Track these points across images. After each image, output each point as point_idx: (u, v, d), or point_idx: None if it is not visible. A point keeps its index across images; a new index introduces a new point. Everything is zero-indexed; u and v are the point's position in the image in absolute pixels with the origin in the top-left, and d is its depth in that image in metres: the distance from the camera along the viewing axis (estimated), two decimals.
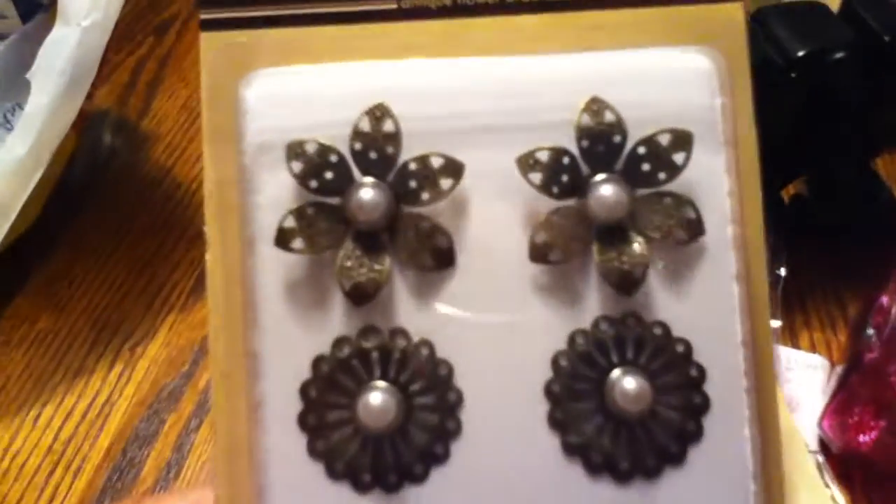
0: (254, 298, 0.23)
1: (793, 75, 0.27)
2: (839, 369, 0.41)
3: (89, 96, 0.28)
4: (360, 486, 0.22)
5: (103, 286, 0.33)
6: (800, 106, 0.26)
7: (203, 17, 0.25)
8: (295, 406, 0.23)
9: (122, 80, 0.38)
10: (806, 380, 0.40)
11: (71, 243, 0.34)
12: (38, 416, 0.31)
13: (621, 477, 0.22)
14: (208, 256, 0.24)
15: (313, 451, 0.22)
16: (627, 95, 0.23)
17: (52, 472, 0.31)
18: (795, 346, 0.43)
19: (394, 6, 0.25)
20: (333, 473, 0.22)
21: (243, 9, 0.25)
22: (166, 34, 0.43)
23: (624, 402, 0.22)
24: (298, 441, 0.22)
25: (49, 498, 0.30)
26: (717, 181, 0.23)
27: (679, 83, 0.23)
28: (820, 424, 0.39)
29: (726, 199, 0.23)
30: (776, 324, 0.43)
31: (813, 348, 0.43)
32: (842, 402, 0.38)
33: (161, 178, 0.35)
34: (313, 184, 0.23)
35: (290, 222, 0.22)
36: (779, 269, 0.43)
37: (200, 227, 0.34)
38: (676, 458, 0.22)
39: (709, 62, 0.24)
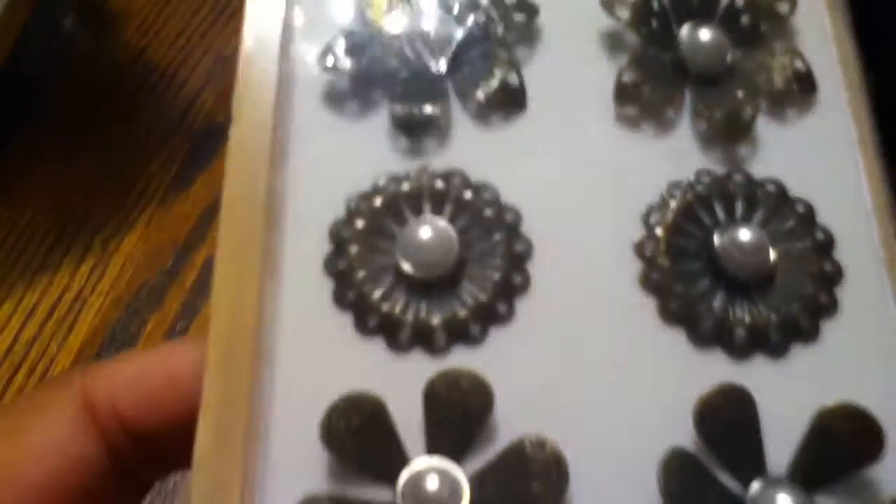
0: (283, 134, 0.19)
1: None
2: None
3: None
4: (397, 345, 0.17)
5: (68, 173, 0.28)
6: None
7: None
8: (322, 249, 0.18)
9: None
10: None
11: (30, 126, 0.28)
12: None
13: (737, 351, 0.17)
14: (233, 128, 0.20)
15: (340, 301, 0.17)
16: None
17: (12, 377, 0.24)
18: None
19: None
20: (364, 327, 0.17)
21: None
22: None
23: (739, 255, 0.18)
24: (322, 288, 0.18)
25: None
26: (823, 43, 0.20)
27: None
28: None
29: (836, 63, 0.20)
30: None
31: None
32: None
33: (133, 59, 0.31)
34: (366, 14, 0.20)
35: (340, 45, 0.19)
36: None
37: (179, 114, 0.30)
38: (807, 333, 0.17)
39: None
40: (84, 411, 0.18)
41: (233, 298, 0.18)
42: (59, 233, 0.28)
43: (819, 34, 0.20)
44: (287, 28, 0.20)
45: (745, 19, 0.20)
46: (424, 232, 0.18)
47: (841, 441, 0.16)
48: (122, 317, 0.26)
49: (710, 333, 0.17)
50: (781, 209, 0.18)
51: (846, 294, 0.18)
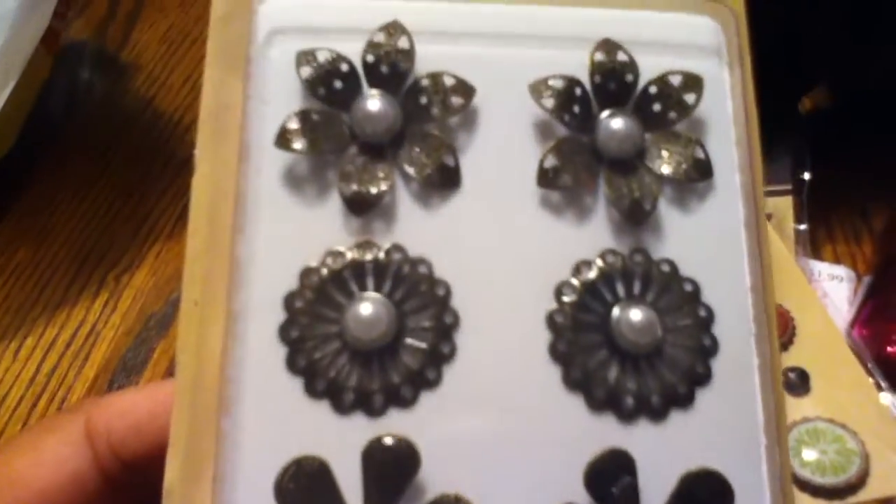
0: (243, 205, 0.22)
1: None
2: (867, 279, 0.40)
3: (62, 18, 0.27)
4: (341, 407, 0.20)
5: (86, 216, 0.31)
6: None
7: None
8: (277, 317, 0.21)
9: (99, 13, 0.37)
10: (831, 291, 0.40)
11: (50, 172, 0.31)
12: (19, 348, 0.28)
13: (625, 415, 0.21)
14: (195, 178, 0.23)
15: (292, 366, 0.20)
16: (638, 36, 0.23)
17: (35, 405, 0.28)
18: (818, 258, 0.42)
19: None
20: (313, 391, 0.20)
21: None
22: None
23: (631, 333, 0.21)
24: (277, 354, 0.20)
25: None
26: (725, 128, 0.23)
27: (687, 34, 0.24)
28: (849, 334, 0.38)
29: (734, 147, 0.23)
30: (803, 227, 0.42)
31: (836, 260, 0.42)
32: (874, 310, 0.37)
33: (143, 108, 0.34)
34: (321, 91, 0.22)
35: (294, 123, 0.21)
36: (802, 173, 0.43)
37: (185, 156, 0.33)
38: (684, 399, 0.21)
39: (715, 25, 0.24)
40: (84, 437, 0.22)
41: (197, 353, 0.21)
42: (76, 271, 0.30)
43: (722, 120, 0.23)
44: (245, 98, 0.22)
45: (656, 107, 0.23)
46: (366, 309, 0.20)
47: (699, 500, 0.20)
48: (132, 346, 0.28)
49: (603, 399, 0.21)
50: (672, 287, 0.22)
51: (720, 365, 0.21)
